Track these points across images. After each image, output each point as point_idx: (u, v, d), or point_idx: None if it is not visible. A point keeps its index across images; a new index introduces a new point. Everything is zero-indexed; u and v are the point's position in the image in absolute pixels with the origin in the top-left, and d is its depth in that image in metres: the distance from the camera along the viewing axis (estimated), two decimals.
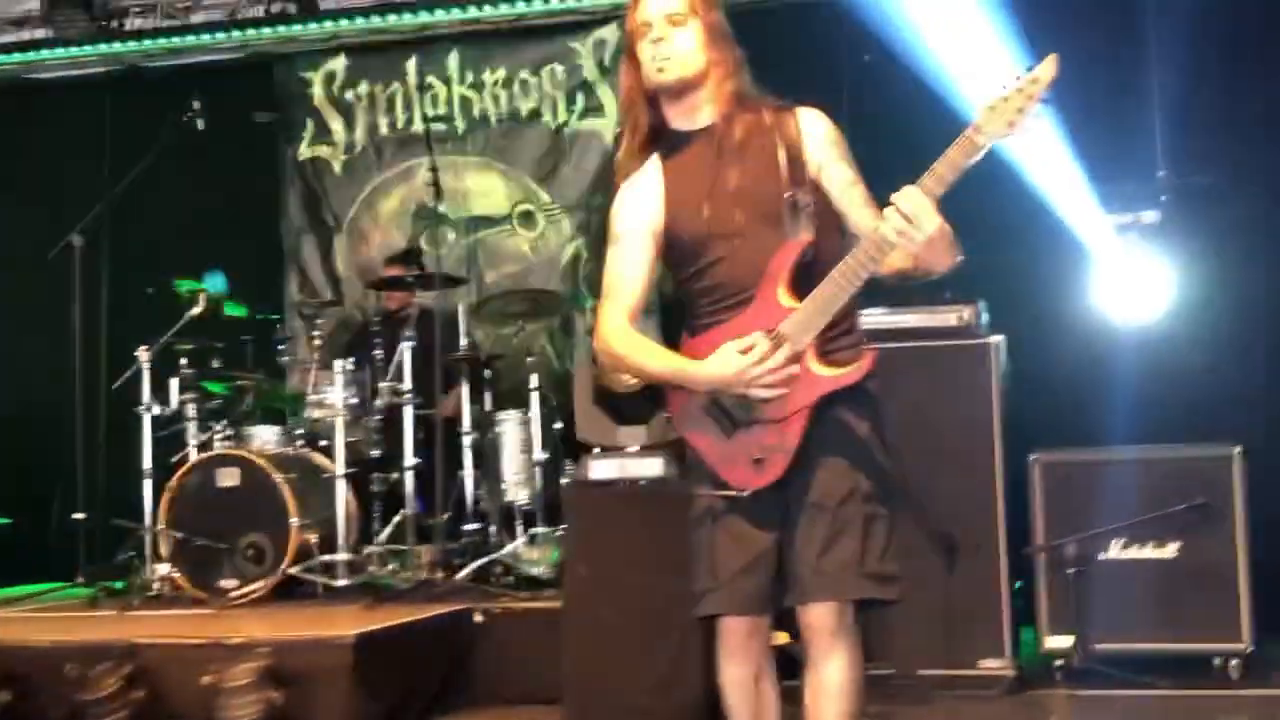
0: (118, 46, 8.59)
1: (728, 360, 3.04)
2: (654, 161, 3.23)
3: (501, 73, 8.19)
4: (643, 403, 5.52)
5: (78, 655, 4.93)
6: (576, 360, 7.66)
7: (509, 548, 6.44)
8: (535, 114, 8.17)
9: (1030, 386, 5.87)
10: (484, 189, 8.19)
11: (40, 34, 8.61)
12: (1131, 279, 6.71)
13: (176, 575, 6.34)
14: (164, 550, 6.40)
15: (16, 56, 8.71)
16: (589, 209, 7.95)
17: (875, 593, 3.10)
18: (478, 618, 5.59)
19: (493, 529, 6.63)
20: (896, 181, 2.93)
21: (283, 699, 4.65)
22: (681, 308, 3.29)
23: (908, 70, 7.08)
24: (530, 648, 5.42)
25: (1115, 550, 5.32)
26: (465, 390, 6.73)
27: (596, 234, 7.78)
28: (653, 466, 5.26)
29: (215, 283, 5.62)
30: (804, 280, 3.05)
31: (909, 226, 2.86)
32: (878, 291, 3.15)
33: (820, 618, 3.10)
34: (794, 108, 3.21)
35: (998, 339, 5.42)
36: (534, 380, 6.75)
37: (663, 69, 3.15)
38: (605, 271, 3.26)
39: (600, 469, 5.33)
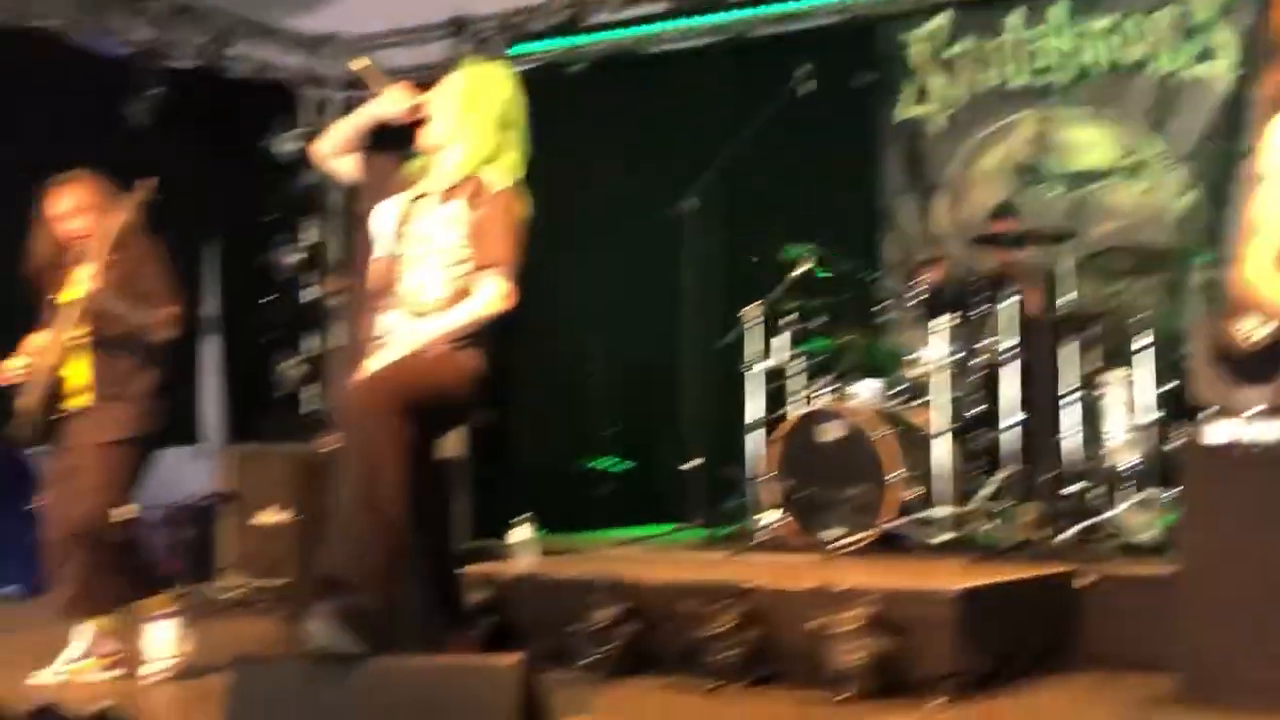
0: (723, 16, 8.97)
1: None
2: None
3: (1109, 19, 7.89)
4: (1267, 360, 5.18)
5: (696, 594, 5.22)
6: (1190, 317, 7.29)
7: (1114, 511, 6.24)
8: (1142, 62, 7.82)
9: None
10: (1088, 142, 7.95)
11: (657, 8, 9.09)
12: None
13: (783, 523, 6.58)
14: (769, 499, 6.66)
15: (634, 30, 9.30)
16: (1203, 159, 7.53)
17: None
18: (1081, 581, 5.46)
19: (1096, 491, 6.45)
20: None
21: (892, 646, 4.73)
22: None
23: None
24: (1136, 614, 5.24)
25: None
26: (1072, 348, 6.58)
27: (1212, 185, 7.40)
28: (1277, 430, 4.93)
29: None
30: None
31: None
32: None
33: None
34: None
35: None
36: (1141, 339, 6.50)
37: None
38: (1250, 211, 3.09)
39: (1217, 432, 5.05)
